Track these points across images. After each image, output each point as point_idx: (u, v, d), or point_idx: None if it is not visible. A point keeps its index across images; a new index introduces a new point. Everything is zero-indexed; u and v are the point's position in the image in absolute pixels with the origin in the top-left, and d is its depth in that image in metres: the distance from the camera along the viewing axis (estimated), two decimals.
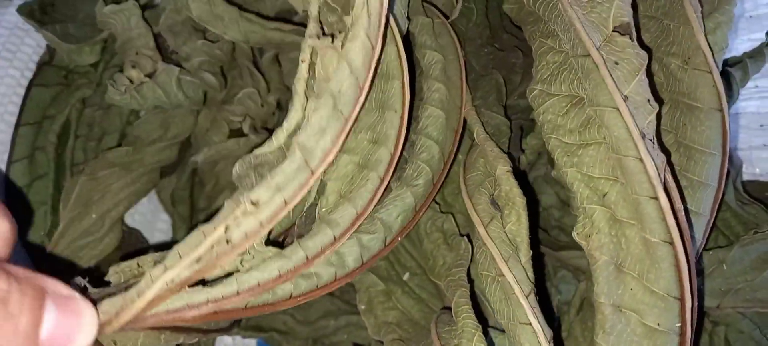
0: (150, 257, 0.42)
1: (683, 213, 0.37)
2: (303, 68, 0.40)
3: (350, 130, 0.41)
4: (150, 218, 0.72)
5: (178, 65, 0.64)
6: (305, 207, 0.45)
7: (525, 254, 0.41)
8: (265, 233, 0.39)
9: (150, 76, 0.63)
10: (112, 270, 0.43)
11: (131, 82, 0.62)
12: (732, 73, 0.54)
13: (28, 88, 0.65)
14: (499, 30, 0.57)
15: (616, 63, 0.37)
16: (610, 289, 0.38)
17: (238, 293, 0.39)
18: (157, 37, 0.65)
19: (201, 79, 0.65)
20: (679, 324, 0.38)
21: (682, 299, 0.37)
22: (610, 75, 0.36)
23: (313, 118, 0.39)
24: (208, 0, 0.60)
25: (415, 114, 0.51)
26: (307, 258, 0.41)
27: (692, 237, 0.42)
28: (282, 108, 0.71)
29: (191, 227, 0.71)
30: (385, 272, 0.57)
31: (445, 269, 0.52)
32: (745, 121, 0.63)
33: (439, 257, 0.54)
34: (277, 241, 0.45)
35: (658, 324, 0.38)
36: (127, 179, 0.63)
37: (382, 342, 0.54)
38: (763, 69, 0.58)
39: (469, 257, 0.50)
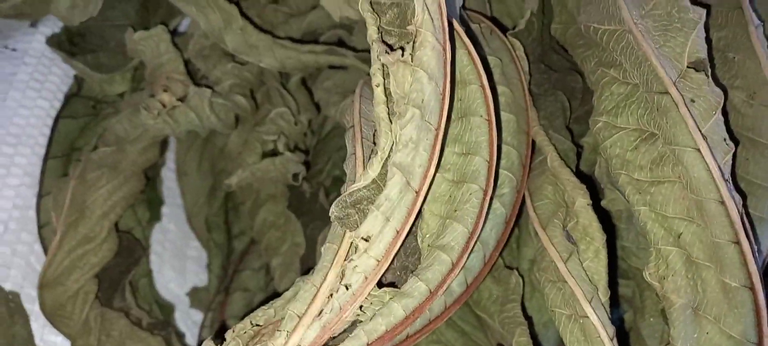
0: (261, 312, 0.40)
1: (758, 254, 0.36)
2: (378, 93, 0.38)
3: (442, 141, 0.39)
4: (180, 244, 0.71)
5: (210, 89, 0.63)
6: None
7: (603, 293, 0.39)
8: (381, 271, 0.36)
9: (182, 100, 0.62)
10: (229, 336, 0.39)
11: (164, 106, 0.61)
12: None
13: (56, 120, 0.64)
14: (549, 50, 0.56)
15: (693, 100, 0.36)
16: (687, 333, 0.37)
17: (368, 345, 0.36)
18: (187, 63, 0.64)
19: (233, 102, 0.64)
20: None
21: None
22: (691, 114, 0.35)
23: (403, 135, 0.37)
24: (242, 30, 0.59)
25: None
26: (431, 291, 0.38)
27: None
28: (313, 131, 0.70)
29: (228, 253, 0.70)
30: None
31: (491, 302, 0.51)
32: None
33: (485, 290, 0.52)
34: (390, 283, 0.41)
35: None
36: (117, 181, 0.61)
37: None
38: None
39: (521, 292, 0.49)
